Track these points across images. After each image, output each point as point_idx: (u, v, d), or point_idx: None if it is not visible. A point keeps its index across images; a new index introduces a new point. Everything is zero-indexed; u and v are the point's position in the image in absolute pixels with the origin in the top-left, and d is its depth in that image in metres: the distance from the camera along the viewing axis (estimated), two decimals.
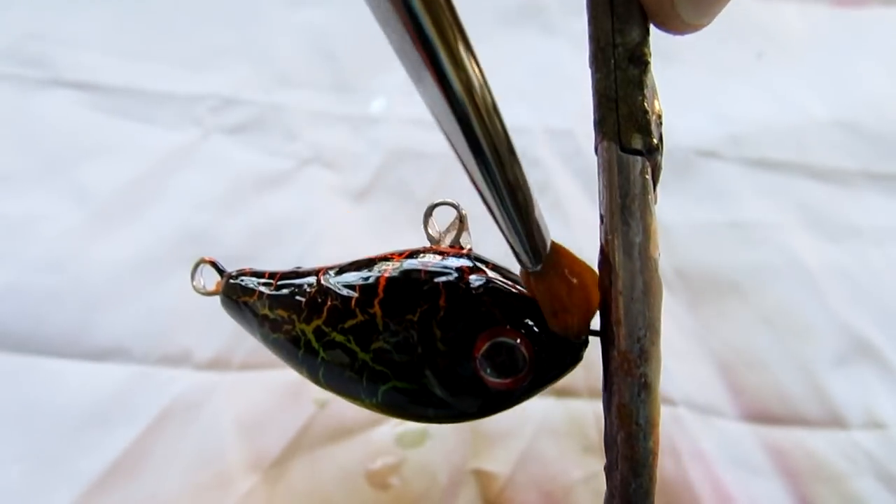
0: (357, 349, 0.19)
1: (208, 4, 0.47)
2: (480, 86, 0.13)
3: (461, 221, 0.21)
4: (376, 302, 0.19)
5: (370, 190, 0.40)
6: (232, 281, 0.23)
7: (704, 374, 0.33)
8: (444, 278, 0.19)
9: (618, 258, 0.16)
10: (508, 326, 0.18)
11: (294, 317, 0.21)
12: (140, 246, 0.36)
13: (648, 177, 0.16)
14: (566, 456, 0.30)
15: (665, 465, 0.30)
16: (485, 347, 0.18)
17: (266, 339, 0.22)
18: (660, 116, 0.17)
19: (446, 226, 0.21)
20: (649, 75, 0.16)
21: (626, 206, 0.16)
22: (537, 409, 0.32)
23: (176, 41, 0.45)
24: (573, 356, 0.19)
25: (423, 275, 0.19)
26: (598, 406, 0.31)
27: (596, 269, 0.17)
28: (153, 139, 0.41)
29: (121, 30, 0.45)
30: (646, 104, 0.16)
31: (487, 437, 0.31)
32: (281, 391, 0.32)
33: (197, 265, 0.23)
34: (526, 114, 0.43)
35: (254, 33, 0.46)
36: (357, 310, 0.19)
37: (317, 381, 0.21)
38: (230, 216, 0.38)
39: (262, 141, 0.42)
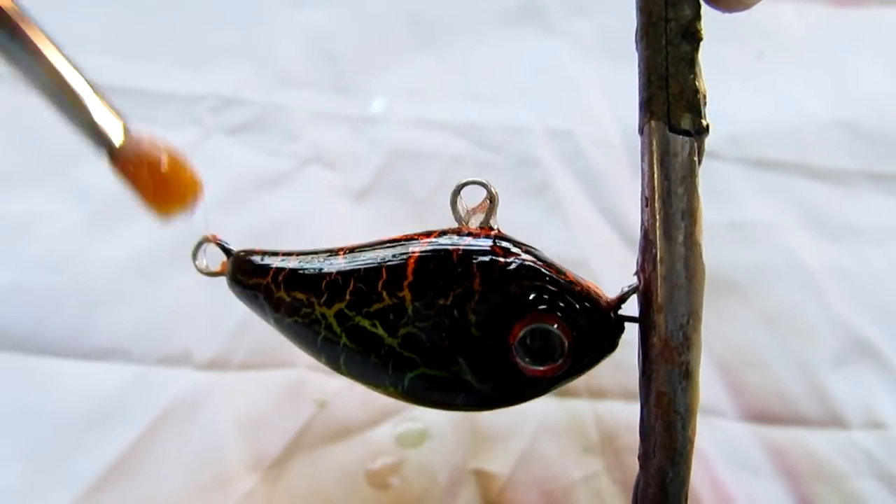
0: (384, 334, 0.18)
1: (208, 4, 0.47)
2: None
3: (491, 202, 0.19)
4: (405, 285, 0.18)
5: (370, 190, 0.40)
6: (240, 261, 0.22)
7: (704, 374, 0.33)
8: (477, 259, 0.18)
9: (661, 242, 0.16)
10: (546, 311, 0.17)
11: (314, 299, 0.19)
12: (140, 246, 0.36)
13: (696, 158, 0.16)
14: (566, 456, 0.30)
15: None
16: (521, 334, 0.17)
17: (280, 324, 0.21)
18: (705, 96, 0.16)
19: (474, 206, 0.20)
20: (699, 56, 0.16)
21: (672, 190, 0.16)
22: (537, 409, 0.32)
23: (176, 41, 0.45)
24: (610, 342, 0.18)
25: (455, 256, 0.18)
26: (598, 406, 0.31)
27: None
28: None
29: (121, 30, 0.45)
30: (697, 83, 0.16)
31: (487, 437, 0.31)
32: (281, 391, 0.32)
33: (200, 244, 0.22)
34: (526, 114, 0.43)
35: (254, 33, 0.46)
36: (384, 292, 0.18)
37: (336, 368, 0.20)
38: (230, 216, 0.38)
39: (262, 141, 0.42)
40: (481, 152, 0.41)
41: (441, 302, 0.17)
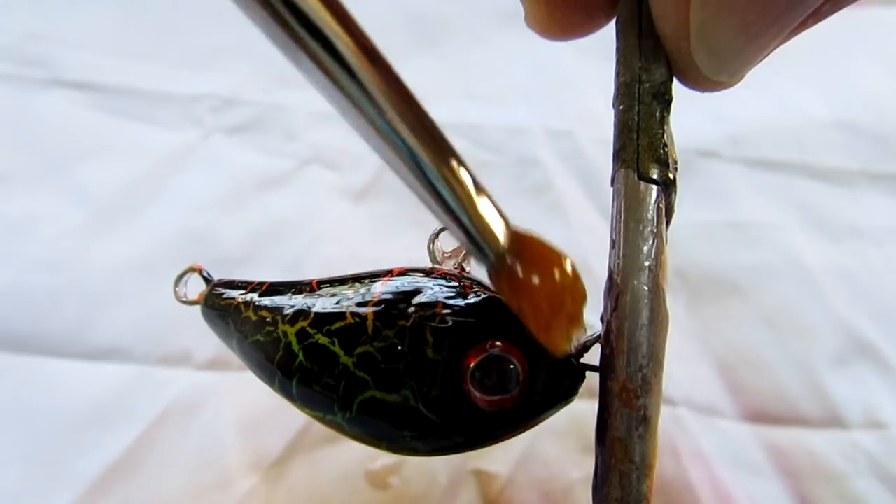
0: (340, 352, 0.18)
1: (208, 4, 0.47)
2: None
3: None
4: (370, 305, 0.18)
5: (370, 190, 0.40)
6: (217, 285, 0.22)
7: (704, 374, 0.33)
8: (445, 289, 0.18)
9: (624, 284, 0.16)
10: (506, 341, 0.17)
11: (278, 318, 0.20)
12: (140, 246, 0.36)
13: (663, 206, 0.16)
14: (566, 456, 0.30)
15: (665, 465, 0.30)
16: (477, 360, 0.16)
17: (242, 344, 0.21)
18: (676, 162, 0.17)
19: (450, 250, 0.20)
20: (669, 117, 0.17)
21: (639, 231, 0.16)
22: None
23: (176, 41, 0.45)
24: (569, 387, 0.17)
25: (422, 283, 0.18)
26: (597, 407, 0.31)
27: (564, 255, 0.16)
28: (153, 139, 0.41)
29: (121, 30, 0.45)
30: (665, 138, 0.17)
31: None
32: None
33: (183, 273, 0.22)
34: (526, 114, 0.43)
35: (254, 33, 0.46)
36: (348, 312, 0.18)
37: (288, 393, 0.20)
38: (230, 216, 0.38)
39: (262, 141, 0.42)
40: (481, 152, 0.41)
41: (402, 323, 0.17)
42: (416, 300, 0.18)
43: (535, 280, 0.15)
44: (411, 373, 0.17)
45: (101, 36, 0.45)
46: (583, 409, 0.32)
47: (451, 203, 0.15)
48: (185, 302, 0.22)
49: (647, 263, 0.16)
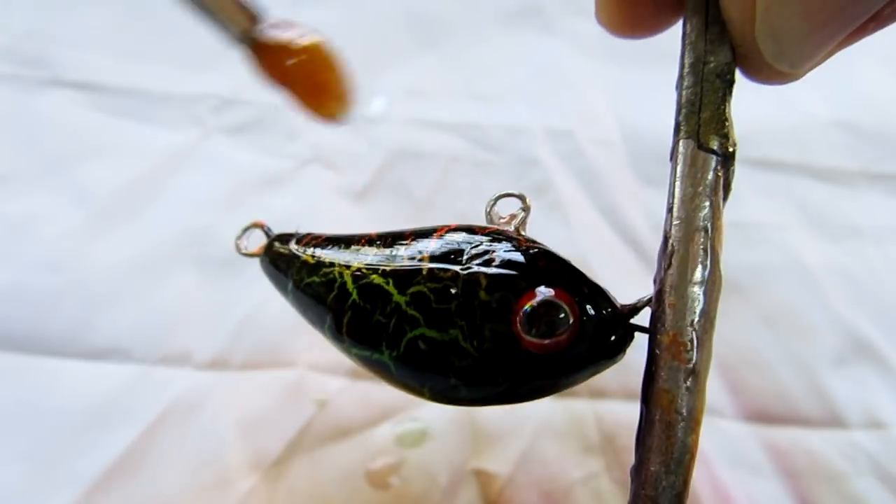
0: (394, 291, 0.18)
1: None
2: None
3: (525, 212, 0.20)
4: (427, 251, 0.18)
5: (370, 190, 0.40)
6: (278, 237, 0.23)
7: None
8: (501, 242, 0.18)
9: (680, 245, 0.16)
10: (560, 288, 0.17)
11: (336, 260, 0.20)
12: (140, 246, 0.36)
13: (721, 176, 0.17)
14: (566, 456, 0.30)
15: None
16: (529, 303, 0.16)
17: (296, 289, 0.21)
18: (736, 143, 0.17)
19: (506, 216, 0.20)
20: (731, 100, 0.17)
21: (696, 195, 0.16)
22: (537, 409, 0.32)
23: (176, 41, 0.45)
24: (617, 345, 0.17)
25: (479, 237, 0.18)
26: (598, 406, 0.31)
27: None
28: (153, 139, 0.41)
29: (121, 30, 0.45)
30: (727, 113, 0.17)
31: (487, 437, 0.31)
32: (281, 391, 0.32)
33: (246, 228, 0.24)
34: (526, 114, 0.43)
35: None
36: (405, 257, 0.19)
37: (338, 334, 0.20)
38: (230, 216, 0.38)
39: (262, 141, 0.42)
40: (481, 152, 0.41)
41: (456, 269, 0.18)
42: (472, 250, 0.18)
43: (288, 62, 0.16)
44: (462, 313, 0.17)
45: (101, 36, 0.45)
46: (582, 410, 0.32)
47: None
48: (245, 254, 0.23)
49: (702, 224, 0.16)
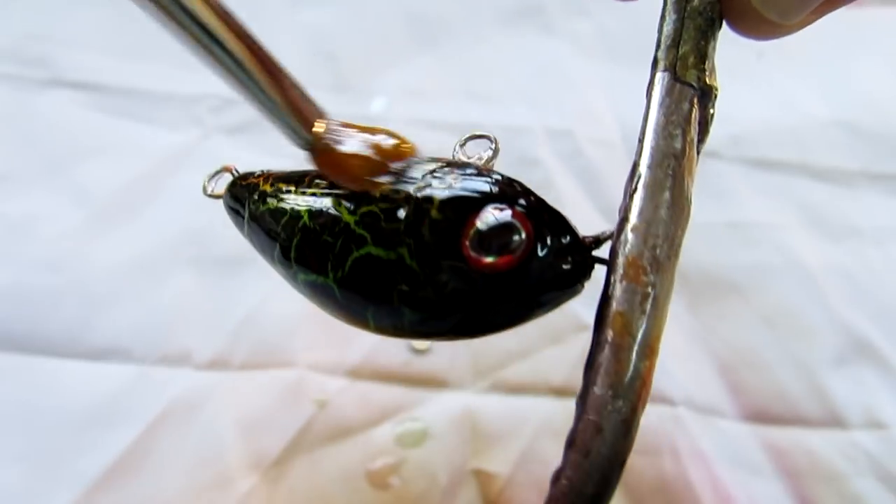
0: (344, 211, 0.18)
1: None
2: None
3: (494, 153, 0.19)
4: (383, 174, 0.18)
5: None
6: (242, 174, 0.23)
7: (704, 374, 0.33)
8: (462, 167, 0.17)
9: (646, 170, 0.15)
10: (514, 208, 0.16)
11: (292, 187, 0.20)
12: (140, 246, 0.36)
13: (696, 110, 0.16)
14: None
15: (665, 465, 0.30)
16: (481, 220, 0.16)
17: (252, 217, 0.21)
18: (717, 90, 0.17)
19: (475, 154, 0.20)
20: (716, 37, 0.17)
21: (668, 123, 0.16)
22: (537, 409, 0.32)
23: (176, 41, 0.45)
24: (574, 275, 0.16)
25: (440, 160, 0.18)
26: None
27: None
28: (153, 139, 0.41)
29: (121, 30, 0.45)
30: (708, 50, 0.17)
31: (487, 437, 0.31)
32: (281, 391, 0.32)
33: (216, 172, 0.24)
34: (526, 114, 0.43)
35: (254, 33, 0.46)
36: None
37: (285, 256, 0.19)
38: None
39: (262, 141, 0.42)
40: (482, 152, 0.41)
41: (411, 188, 0.17)
42: (429, 174, 0.17)
43: (348, 155, 0.17)
44: (411, 231, 0.16)
45: (101, 36, 0.45)
46: None
47: (270, 94, 0.16)
48: (210, 195, 0.23)
49: (671, 152, 0.15)
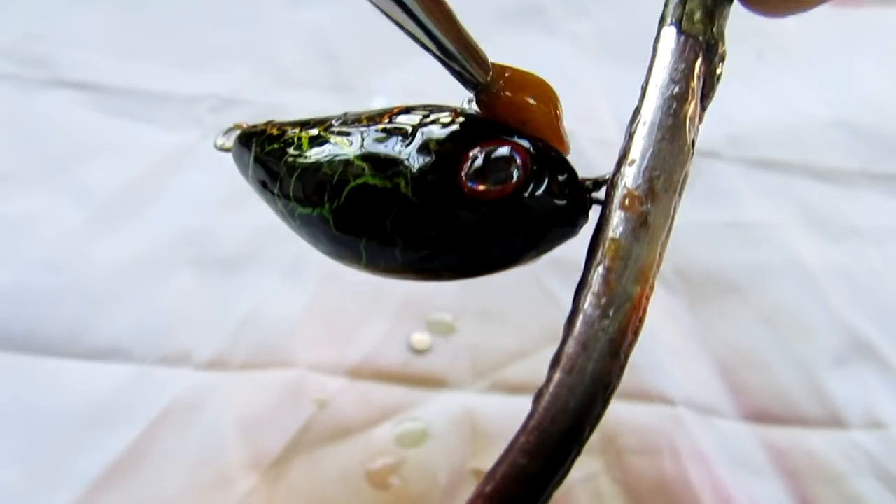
0: (346, 144, 0.18)
1: (208, 4, 0.47)
2: None
3: None
4: (386, 115, 0.18)
5: None
6: (249, 128, 0.23)
7: (704, 374, 0.33)
8: (471, 111, 0.18)
9: (648, 111, 0.15)
10: (512, 141, 0.16)
11: (297, 129, 0.20)
12: (140, 246, 0.36)
13: (700, 63, 0.16)
14: None
15: (665, 465, 0.30)
16: (478, 150, 0.16)
17: (256, 160, 0.21)
18: (723, 50, 0.17)
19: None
20: (724, 4, 0.17)
21: (674, 71, 0.16)
22: None
23: (176, 41, 0.45)
24: (569, 213, 0.16)
25: (442, 108, 0.18)
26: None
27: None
28: (153, 139, 0.41)
29: (121, 30, 0.45)
30: (716, 12, 0.16)
31: (487, 437, 0.31)
32: (281, 391, 0.32)
33: (229, 129, 0.24)
34: None
35: (254, 33, 0.46)
36: (365, 117, 0.19)
37: (284, 193, 0.20)
38: (230, 216, 0.38)
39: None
40: None
41: (412, 124, 0.17)
42: (435, 113, 0.18)
43: (530, 100, 0.17)
44: (409, 161, 0.17)
45: (101, 36, 0.45)
46: None
47: (442, 34, 0.15)
48: (221, 149, 0.23)
49: (672, 94, 0.15)
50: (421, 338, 0.34)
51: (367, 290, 0.35)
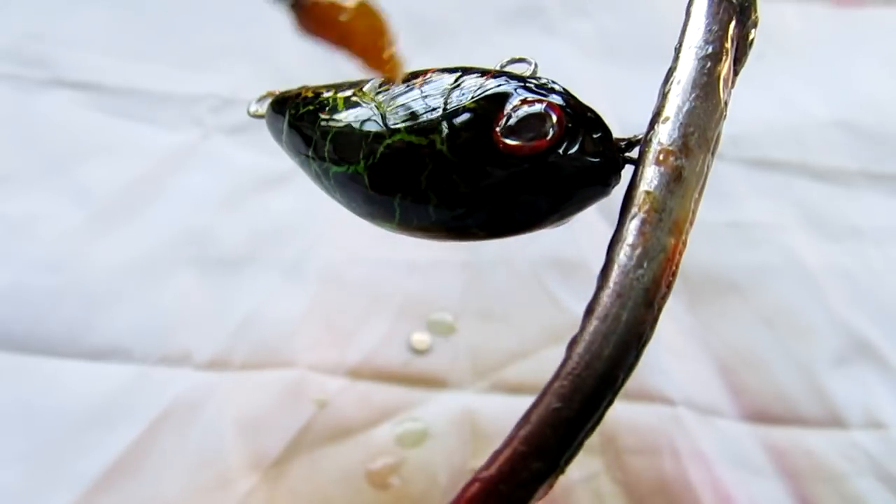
0: (380, 102, 0.18)
1: (208, 4, 0.47)
2: None
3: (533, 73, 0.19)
4: (421, 77, 0.19)
5: None
6: (283, 93, 0.23)
7: (704, 374, 0.33)
8: (500, 73, 0.18)
9: (682, 69, 0.15)
10: (552, 103, 0.16)
11: (333, 91, 0.20)
12: (140, 246, 0.36)
13: (734, 23, 0.16)
14: None
15: (665, 466, 0.30)
16: (514, 108, 0.16)
17: (290, 125, 0.22)
18: (757, 18, 0.17)
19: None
20: None
21: (707, 33, 0.16)
22: None
23: (176, 41, 0.45)
24: (603, 170, 0.16)
25: (477, 69, 0.18)
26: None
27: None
28: (153, 139, 0.41)
29: (121, 30, 0.45)
30: None
31: (487, 438, 0.31)
32: (281, 391, 0.32)
33: (262, 97, 0.24)
34: None
35: (254, 33, 0.46)
36: (400, 81, 0.19)
37: (318, 154, 0.20)
38: (230, 216, 0.38)
39: (262, 141, 0.41)
40: None
41: (448, 83, 0.18)
42: (471, 74, 0.18)
43: (343, 17, 0.17)
44: (446, 118, 0.17)
45: (101, 36, 0.45)
46: None
47: None
48: (254, 115, 0.24)
49: (706, 54, 0.15)
50: (421, 338, 0.34)
51: (367, 291, 0.35)
